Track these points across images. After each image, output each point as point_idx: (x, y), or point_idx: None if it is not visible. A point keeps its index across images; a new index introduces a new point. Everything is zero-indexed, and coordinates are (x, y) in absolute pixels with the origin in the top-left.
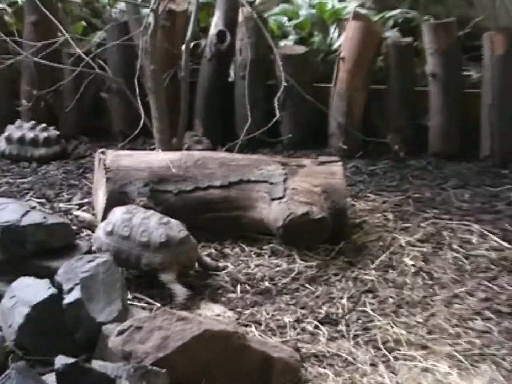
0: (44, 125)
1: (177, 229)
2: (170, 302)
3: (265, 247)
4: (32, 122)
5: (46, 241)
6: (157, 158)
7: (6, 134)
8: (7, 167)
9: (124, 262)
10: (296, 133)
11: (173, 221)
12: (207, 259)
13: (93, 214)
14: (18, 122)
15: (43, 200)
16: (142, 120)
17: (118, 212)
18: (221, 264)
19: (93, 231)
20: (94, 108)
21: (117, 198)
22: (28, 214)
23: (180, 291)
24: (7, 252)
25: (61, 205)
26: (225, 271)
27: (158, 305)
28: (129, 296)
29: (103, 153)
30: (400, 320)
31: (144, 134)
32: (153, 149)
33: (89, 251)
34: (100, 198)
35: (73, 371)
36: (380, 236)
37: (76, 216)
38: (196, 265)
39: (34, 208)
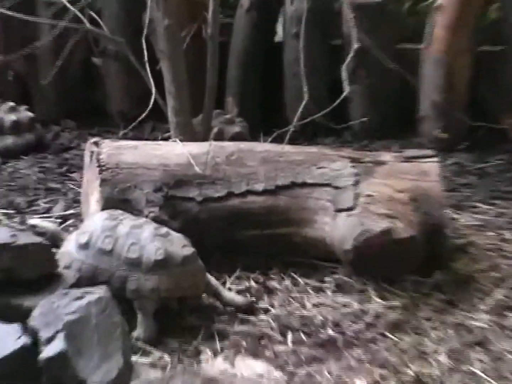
0: (11, 103)
1: (179, 243)
2: (131, 331)
3: (327, 278)
4: None
5: (15, 269)
6: (174, 152)
7: None
8: None
9: None
10: (372, 116)
11: (174, 233)
12: (230, 294)
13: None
14: None
15: (11, 211)
16: (152, 97)
17: (98, 218)
18: (265, 304)
19: (57, 247)
20: (83, 80)
21: (116, 208)
22: None
23: (149, 327)
24: None
25: (36, 217)
26: (270, 313)
27: (173, 359)
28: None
29: (96, 144)
30: None
31: (154, 116)
32: (167, 138)
33: (77, 284)
34: (92, 208)
35: None
36: (494, 264)
37: (33, 226)
38: (207, 298)
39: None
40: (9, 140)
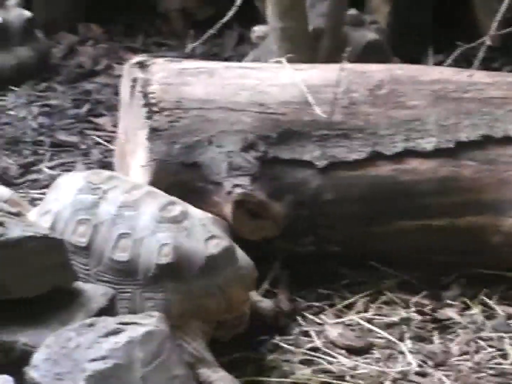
0: None
1: (202, 233)
2: None
3: None
4: None
5: (3, 282)
6: (277, 81)
7: None
8: None
9: None
10: None
11: (195, 214)
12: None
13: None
14: None
15: None
16: None
17: (67, 188)
18: (434, 348)
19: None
20: None
21: (175, 177)
22: None
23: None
24: None
25: (33, 192)
26: (445, 364)
27: None
28: None
29: (142, 65)
30: None
31: (242, 19)
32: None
33: (109, 308)
34: (133, 175)
35: None
36: None
37: None
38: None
39: None
40: None
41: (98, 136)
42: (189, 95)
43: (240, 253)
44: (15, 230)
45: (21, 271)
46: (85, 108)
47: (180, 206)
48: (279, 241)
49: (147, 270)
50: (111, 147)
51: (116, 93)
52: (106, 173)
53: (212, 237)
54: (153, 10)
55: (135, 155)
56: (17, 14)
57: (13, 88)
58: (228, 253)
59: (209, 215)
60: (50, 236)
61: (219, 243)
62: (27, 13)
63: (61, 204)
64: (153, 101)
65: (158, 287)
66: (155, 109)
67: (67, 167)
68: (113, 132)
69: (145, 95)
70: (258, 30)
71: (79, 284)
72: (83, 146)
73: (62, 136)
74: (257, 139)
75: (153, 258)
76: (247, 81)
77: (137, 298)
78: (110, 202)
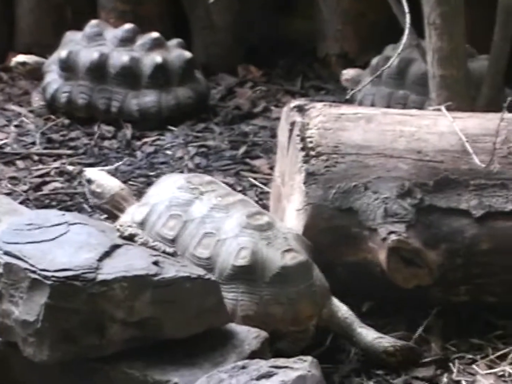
0: (156, 35)
1: (282, 245)
2: None
3: None
4: (128, 25)
5: (157, 321)
6: (435, 129)
7: (61, 53)
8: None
9: None
10: None
11: (282, 227)
12: (370, 332)
13: None
14: (92, 23)
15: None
16: (405, 30)
17: (168, 185)
18: None
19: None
20: None
21: (330, 222)
22: (117, 253)
23: None
24: (67, 344)
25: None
26: None
27: None
28: None
29: (300, 109)
30: None
31: None
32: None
33: (261, 351)
34: (289, 218)
35: None
36: None
37: (89, 181)
38: None
39: (131, 237)
40: (148, 98)
41: (254, 178)
42: (347, 140)
43: (318, 273)
44: (170, 270)
45: (176, 311)
46: (242, 150)
47: (267, 218)
48: (434, 289)
49: (223, 270)
50: (267, 189)
51: (273, 136)
52: (207, 177)
53: (290, 250)
54: (312, 54)
55: (291, 198)
56: (178, 54)
57: (171, 128)
58: (302, 268)
59: (294, 231)
60: (205, 277)
61: (296, 257)
62: (188, 54)
63: (159, 198)
64: (310, 145)
65: (230, 287)
66: (312, 153)
67: None
68: (269, 174)
69: (303, 139)
70: (346, 73)
71: (232, 326)
72: (239, 188)
73: (218, 177)
74: (413, 186)
75: (230, 259)
76: (405, 128)
77: None
78: (204, 203)
